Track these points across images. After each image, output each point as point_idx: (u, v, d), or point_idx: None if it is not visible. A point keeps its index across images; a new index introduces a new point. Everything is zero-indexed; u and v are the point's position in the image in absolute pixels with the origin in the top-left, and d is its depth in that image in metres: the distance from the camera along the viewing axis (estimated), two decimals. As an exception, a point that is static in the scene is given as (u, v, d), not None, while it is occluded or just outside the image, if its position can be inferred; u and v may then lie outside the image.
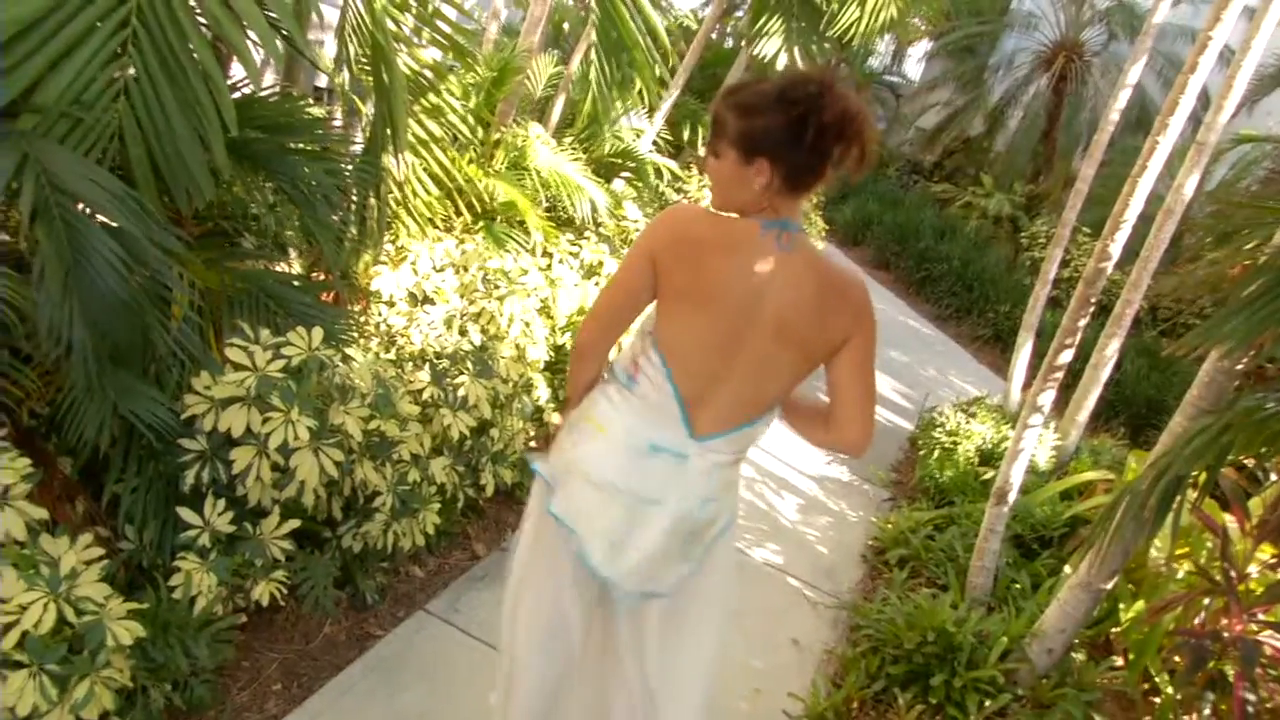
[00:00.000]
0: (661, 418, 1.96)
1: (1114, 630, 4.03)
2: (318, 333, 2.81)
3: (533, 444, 4.36)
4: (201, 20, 2.46)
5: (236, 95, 3.18)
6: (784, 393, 2.01)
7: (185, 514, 2.59)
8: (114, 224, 2.21)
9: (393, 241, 4.36)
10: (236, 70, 2.89)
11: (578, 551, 2.05)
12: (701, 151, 8.30)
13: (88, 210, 2.19)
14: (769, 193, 1.81)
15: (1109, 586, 3.44)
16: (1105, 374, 5.33)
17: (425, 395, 3.39)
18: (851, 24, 6.80)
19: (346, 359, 3.06)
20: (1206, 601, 3.45)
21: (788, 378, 1.96)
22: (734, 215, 1.87)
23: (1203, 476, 2.94)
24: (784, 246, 1.83)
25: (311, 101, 4.54)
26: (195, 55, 2.35)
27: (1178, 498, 2.83)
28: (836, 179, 1.87)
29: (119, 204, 2.17)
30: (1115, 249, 3.92)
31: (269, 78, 5.28)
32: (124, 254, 2.15)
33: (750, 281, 1.82)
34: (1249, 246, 2.97)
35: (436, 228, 4.63)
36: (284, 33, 2.79)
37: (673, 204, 1.82)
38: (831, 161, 1.79)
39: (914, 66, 18.64)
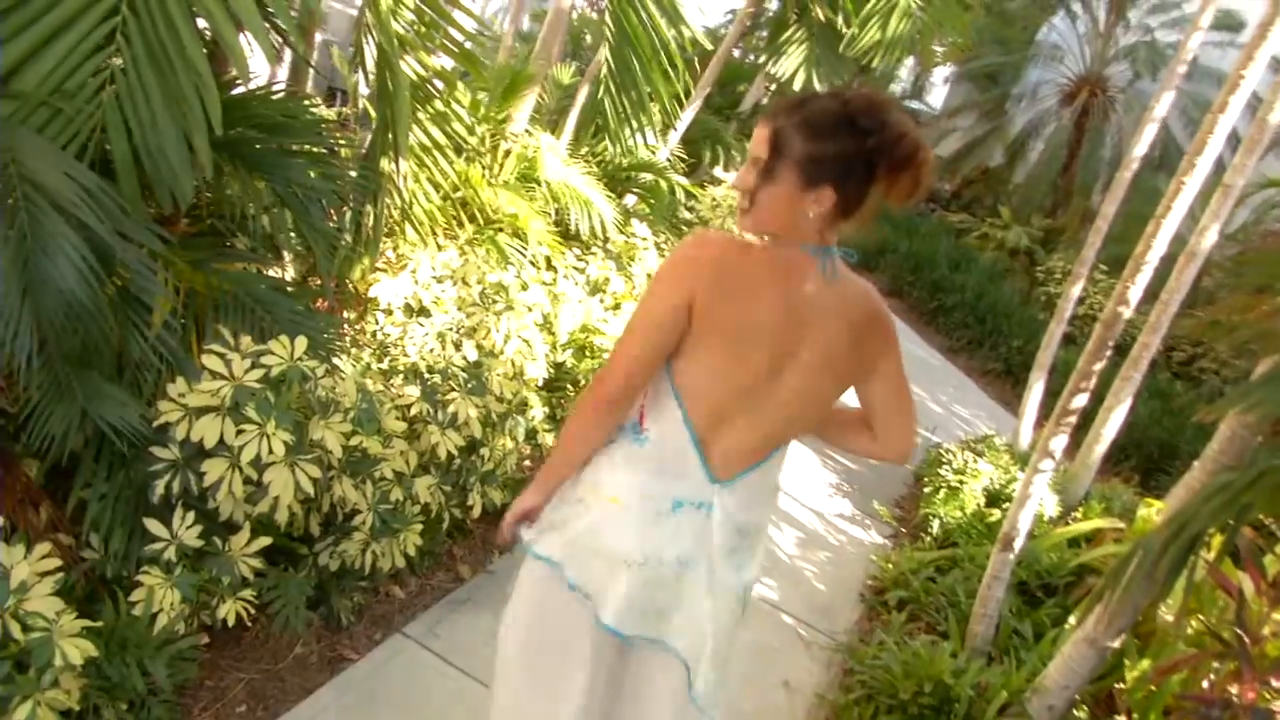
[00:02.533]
0: (679, 466, 1.81)
1: (1118, 686, 3.88)
2: (301, 342, 2.70)
3: (526, 464, 4.25)
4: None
5: (235, 92, 3.09)
6: (817, 420, 1.93)
7: (152, 526, 2.47)
8: (88, 221, 2.11)
9: (394, 249, 4.26)
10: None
11: (597, 622, 1.87)
12: (720, 171, 8.20)
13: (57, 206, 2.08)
14: (821, 220, 1.69)
15: (1117, 644, 3.30)
16: (1119, 417, 5.19)
17: (413, 411, 3.27)
18: (872, 45, 6.69)
19: (333, 370, 2.95)
20: (1216, 665, 3.31)
21: (823, 406, 1.88)
22: (768, 241, 1.74)
23: (1219, 538, 2.80)
24: (829, 276, 1.73)
25: (317, 102, 4.46)
26: (184, 48, 2.25)
27: (1194, 558, 2.70)
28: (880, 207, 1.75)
29: (93, 201, 2.07)
30: (1135, 292, 3.79)
31: (278, 75, 5.21)
32: (88, 252, 2.03)
33: (798, 314, 1.71)
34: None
35: (438, 236, 4.53)
36: (281, 30, 2.69)
37: (696, 230, 1.65)
38: (884, 191, 1.69)
39: (935, 94, 18.56)
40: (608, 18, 5.12)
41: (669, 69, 5.30)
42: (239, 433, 2.47)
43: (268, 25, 2.55)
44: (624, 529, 1.82)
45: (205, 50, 2.39)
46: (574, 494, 1.90)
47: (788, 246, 1.72)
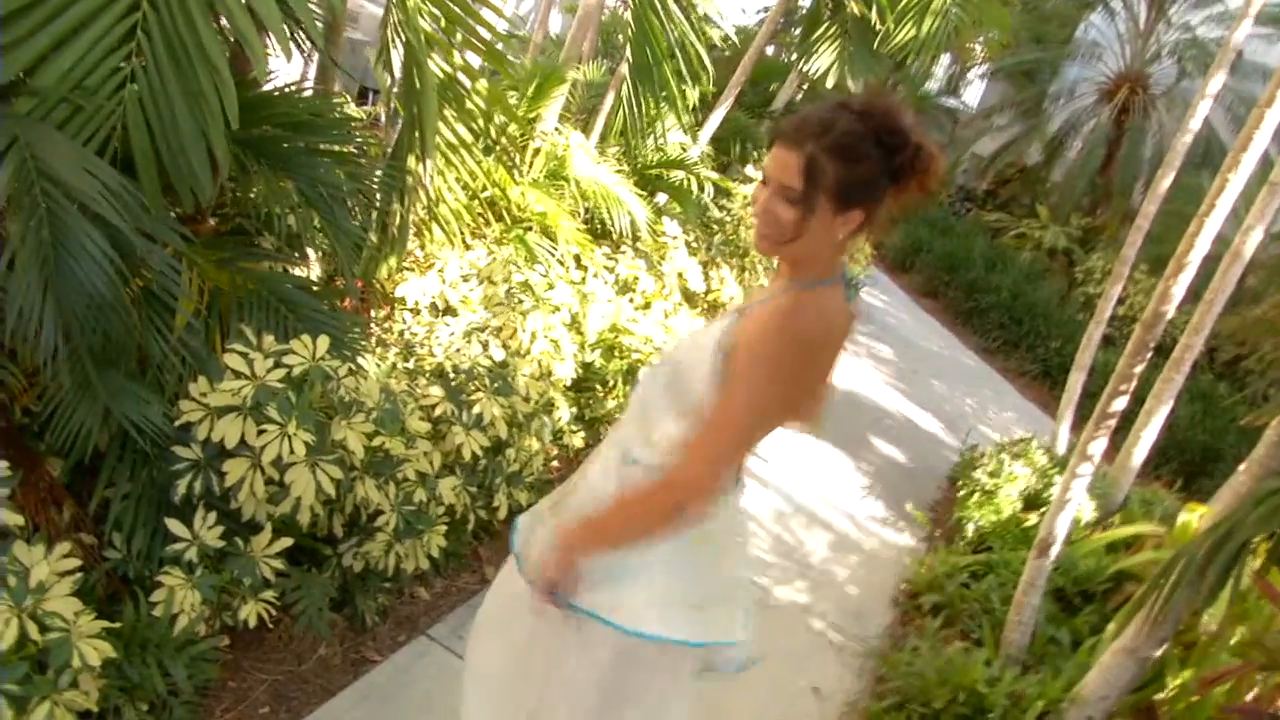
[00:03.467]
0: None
1: (1157, 697, 3.78)
2: (323, 342, 2.68)
3: (554, 464, 4.21)
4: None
5: (258, 91, 3.08)
6: None
7: (174, 526, 2.46)
8: (109, 218, 2.10)
9: (421, 248, 4.25)
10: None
11: (724, 660, 1.91)
12: (751, 170, 8.12)
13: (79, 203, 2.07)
14: (845, 243, 1.65)
15: (1157, 654, 3.20)
16: (1160, 419, 5.06)
17: (438, 412, 3.25)
18: (907, 42, 6.59)
19: (356, 369, 2.93)
20: (1261, 677, 3.21)
21: None
22: (805, 280, 1.68)
23: (1265, 545, 2.71)
24: (850, 301, 1.73)
25: (346, 100, 4.45)
26: (205, 46, 2.23)
27: (1238, 566, 2.61)
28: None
29: (114, 198, 2.05)
30: (1178, 291, 3.69)
31: (309, 75, 5.21)
32: (109, 249, 2.02)
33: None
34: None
35: (466, 235, 4.51)
36: (304, 29, 2.67)
37: (789, 302, 1.59)
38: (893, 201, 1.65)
39: (972, 93, 18.33)
40: (629, 16, 5.08)
41: (684, 70, 5.25)
42: (260, 432, 2.45)
43: (289, 25, 2.53)
44: (729, 526, 1.89)
45: (227, 50, 2.38)
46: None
47: (832, 285, 1.68)
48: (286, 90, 3.34)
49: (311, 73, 5.17)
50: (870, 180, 1.58)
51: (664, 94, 5.31)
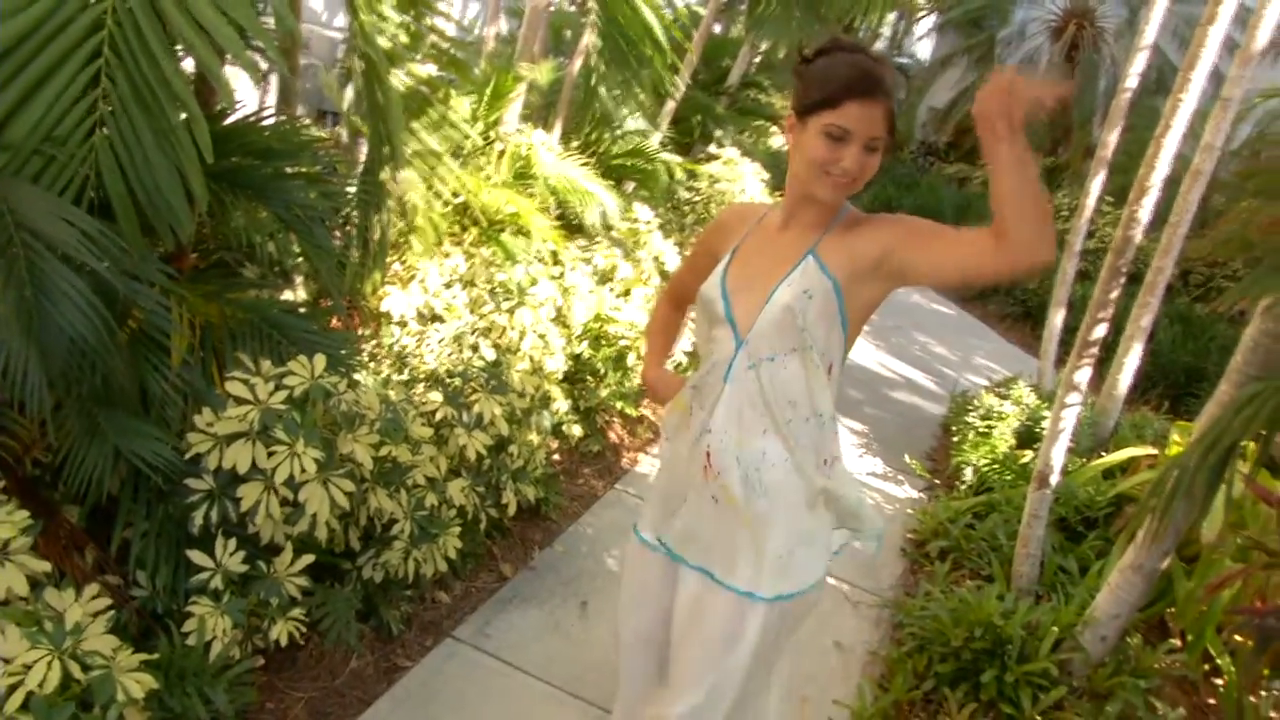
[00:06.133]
0: None
1: (1169, 611, 3.88)
2: (320, 360, 2.73)
3: (555, 457, 4.27)
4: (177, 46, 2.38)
5: (226, 123, 3.11)
6: None
7: (196, 556, 2.51)
8: (91, 264, 2.14)
9: (400, 261, 4.29)
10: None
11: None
12: (714, 148, 8.17)
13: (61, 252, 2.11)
14: None
15: (1163, 567, 3.29)
16: (1140, 345, 5.16)
17: (439, 416, 3.30)
18: (851, 5, 6.65)
19: (354, 384, 2.98)
20: (1264, 576, 3.29)
21: None
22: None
23: (1254, 446, 2.79)
24: None
25: (309, 124, 4.49)
26: (170, 83, 2.27)
27: (1229, 469, 2.69)
28: None
29: (93, 244, 2.09)
30: (1143, 214, 3.76)
31: (267, 101, 5.23)
32: (92, 295, 2.06)
33: None
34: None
35: (443, 244, 4.55)
36: (265, 55, 2.71)
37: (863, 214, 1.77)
38: None
39: (923, 47, 18.40)
40: (594, 3, 5.12)
41: (660, 41, 5.30)
42: (270, 454, 2.50)
43: (250, 51, 2.56)
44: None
45: (191, 85, 2.41)
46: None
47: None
48: (251, 119, 3.37)
49: (270, 99, 5.20)
50: None
51: (631, 79, 5.34)
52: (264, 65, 2.84)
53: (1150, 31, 5.18)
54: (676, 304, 2.31)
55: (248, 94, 4.52)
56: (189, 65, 2.58)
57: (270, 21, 2.79)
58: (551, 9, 7.21)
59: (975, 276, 1.61)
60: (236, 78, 2.51)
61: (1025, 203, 1.47)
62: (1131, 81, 5.41)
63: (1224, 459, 2.66)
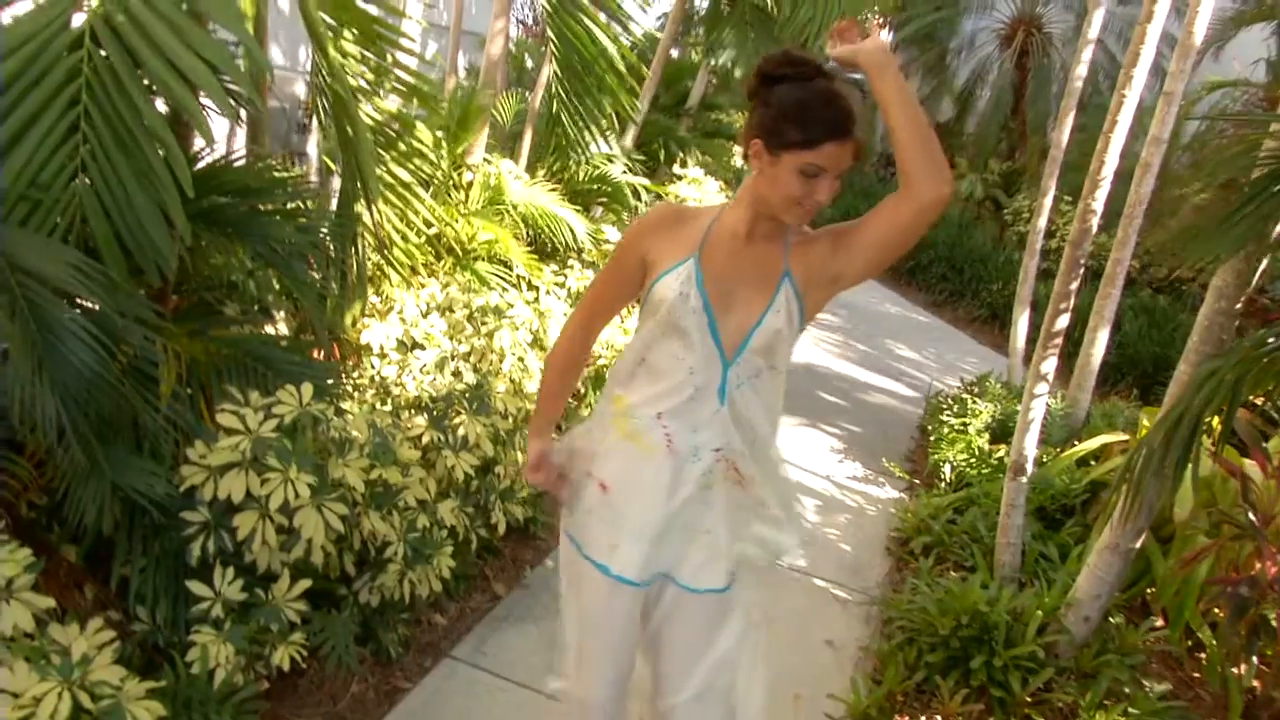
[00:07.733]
0: None
1: (1149, 590, 3.97)
2: (307, 388, 2.78)
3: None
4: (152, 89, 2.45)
5: (203, 163, 3.18)
6: None
7: (195, 587, 2.55)
8: (86, 302, 2.20)
9: (377, 293, 4.35)
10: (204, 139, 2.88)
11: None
12: (679, 169, 8.31)
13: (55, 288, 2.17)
14: None
15: (1138, 545, 3.39)
16: (1105, 335, 5.30)
17: (425, 439, 3.35)
18: (806, 23, 6.81)
19: (340, 412, 3.03)
20: (1236, 547, 3.40)
21: None
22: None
23: (1217, 421, 2.89)
24: None
25: (277, 162, 4.55)
26: (147, 125, 2.34)
27: (1194, 446, 2.79)
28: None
29: (85, 279, 2.15)
30: (1097, 207, 3.89)
31: (239, 140, 5.29)
32: (95, 329, 2.12)
33: None
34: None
35: (419, 274, 4.62)
36: (243, 96, 2.78)
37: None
38: None
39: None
40: (549, 31, 5.22)
41: (618, 68, 5.40)
42: (263, 482, 2.55)
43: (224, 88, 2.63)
44: None
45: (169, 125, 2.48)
46: None
47: None
48: (225, 160, 3.43)
49: (239, 138, 5.26)
50: None
51: (592, 106, 5.44)
52: (237, 103, 2.90)
53: (1093, 29, 5.35)
54: (591, 327, 2.11)
55: (220, 135, 4.59)
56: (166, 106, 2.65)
57: (241, 61, 2.86)
58: (510, 42, 7.34)
59: (897, 233, 1.76)
60: (210, 120, 2.57)
61: (915, 134, 1.68)
62: (1078, 81, 5.58)
63: (1190, 434, 2.76)
